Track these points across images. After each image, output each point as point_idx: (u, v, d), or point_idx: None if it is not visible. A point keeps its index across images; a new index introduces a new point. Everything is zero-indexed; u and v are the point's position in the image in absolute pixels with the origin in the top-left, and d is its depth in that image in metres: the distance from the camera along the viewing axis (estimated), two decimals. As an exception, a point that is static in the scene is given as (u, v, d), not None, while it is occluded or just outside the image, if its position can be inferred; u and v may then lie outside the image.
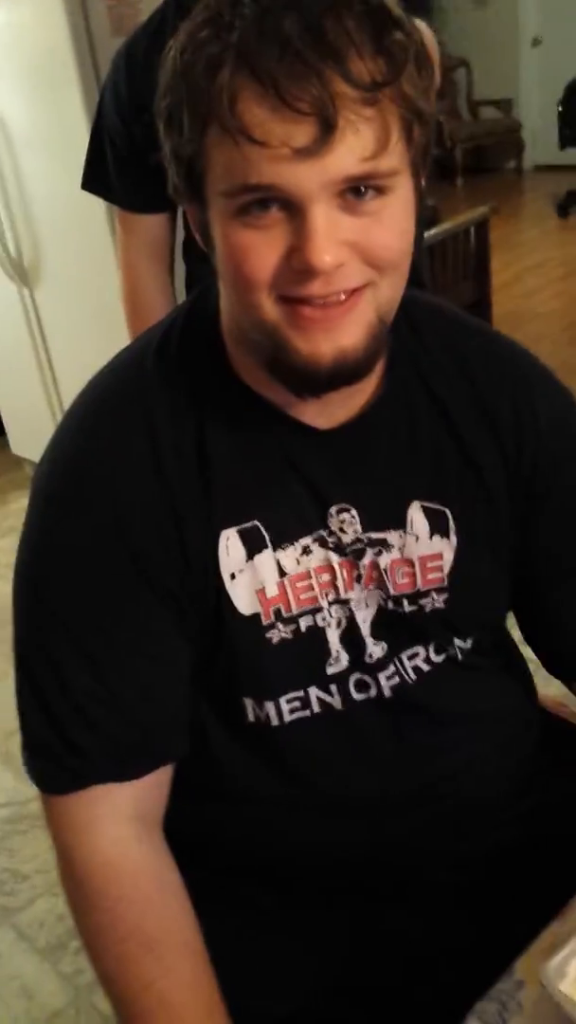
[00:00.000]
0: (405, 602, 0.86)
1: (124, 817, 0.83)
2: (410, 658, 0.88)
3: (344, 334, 0.71)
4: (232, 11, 0.65)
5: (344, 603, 0.85)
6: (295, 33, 0.62)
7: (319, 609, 0.84)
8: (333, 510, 0.83)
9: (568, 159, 6.35)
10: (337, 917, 0.93)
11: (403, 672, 0.88)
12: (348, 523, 0.83)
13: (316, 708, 0.86)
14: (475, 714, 0.92)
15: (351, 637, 0.86)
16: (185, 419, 0.80)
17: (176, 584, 0.81)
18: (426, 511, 0.85)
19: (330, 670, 0.86)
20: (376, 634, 0.86)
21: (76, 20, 2.44)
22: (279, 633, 0.83)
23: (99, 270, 2.65)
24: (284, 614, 0.83)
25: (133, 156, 1.55)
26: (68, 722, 0.81)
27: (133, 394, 0.82)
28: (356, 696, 0.87)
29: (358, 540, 0.84)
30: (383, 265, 0.70)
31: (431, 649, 0.89)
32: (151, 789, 0.84)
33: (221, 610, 0.82)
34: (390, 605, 0.86)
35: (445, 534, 0.85)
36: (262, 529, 0.81)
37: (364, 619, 0.86)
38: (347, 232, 0.67)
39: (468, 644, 0.90)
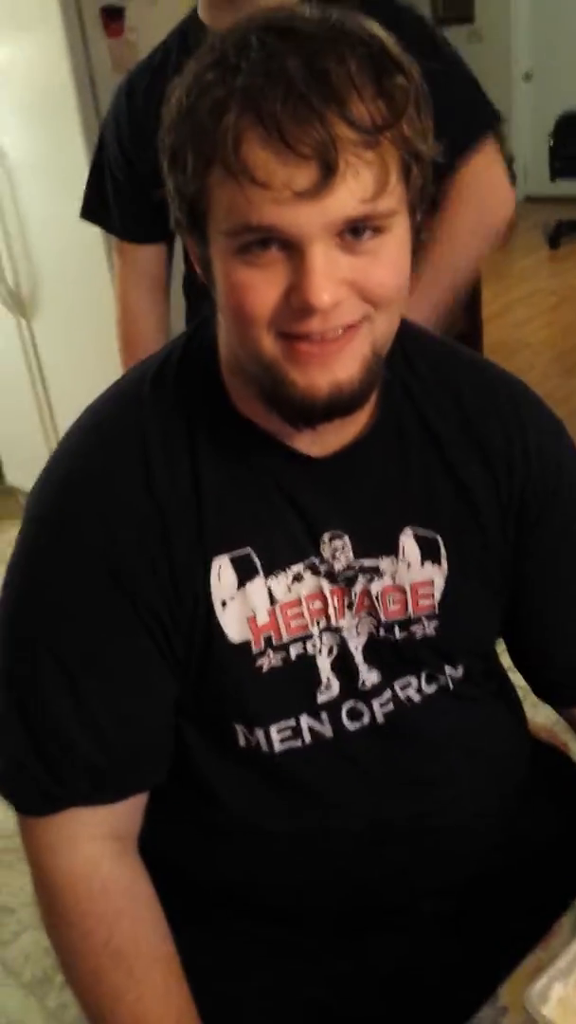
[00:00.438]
0: (396, 628, 0.86)
1: (98, 835, 0.83)
2: (403, 688, 0.89)
3: (340, 368, 0.72)
4: (238, 54, 0.66)
5: (335, 631, 0.85)
6: (299, 76, 0.63)
7: (309, 636, 0.84)
8: (326, 537, 0.83)
9: (559, 191, 6.42)
10: (324, 944, 0.93)
11: (397, 700, 0.88)
12: (340, 550, 0.84)
13: (307, 738, 0.86)
14: (467, 743, 0.93)
15: (343, 664, 0.86)
16: (179, 445, 0.81)
17: (164, 610, 0.81)
18: (418, 538, 0.85)
19: (321, 698, 0.86)
20: (370, 660, 0.87)
21: (77, 57, 2.47)
22: (269, 661, 0.83)
23: (97, 303, 2.67)
24: (275, 642, 0.83)
25: (133, 189, 1.56)
26: (48, 744, 0.81)
27: (128, 420, 0.83)
28: (349, 725, 0.87)
29: (350, 567, 0.84)
30: (379, 301, 0.71)
31: (423, 678, 0.89)
32: (127, 810, 0.85)
33: (211, 637, 0.82)
34: (381, 632, 0.86)
35: (436, 561, 0.86)
36: (254, 556, 0.82)
37: (356, 646, 0.86)
38: (345, 271, 0.69)
39: (459, 672, 0.91)
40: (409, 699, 0.89)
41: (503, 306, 5.17)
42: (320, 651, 0.85)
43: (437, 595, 0.87)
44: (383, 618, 0.86)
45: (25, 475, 3.50)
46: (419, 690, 0.89)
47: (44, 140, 2.71)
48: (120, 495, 0.80)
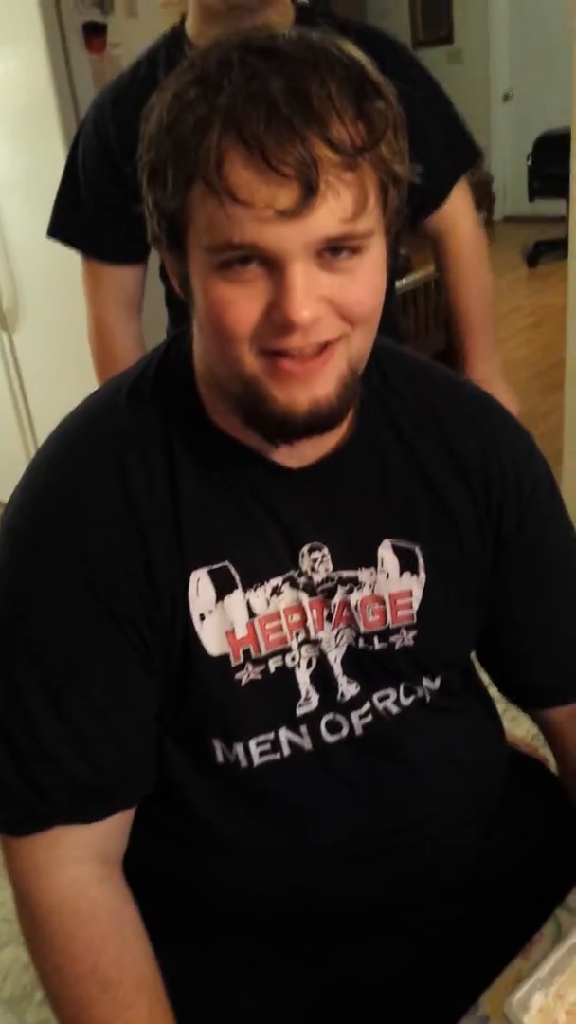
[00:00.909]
0: (375, 639, 0.87)
1: (84, 857, 0.82)
2: (380, 700, 0.89)
3: (319, 385, 0.73)
4: (219, 72, 0.66)
5: (314, 643, 0.86)
6: (281, 97, 0.64)
7: (288, 649, 0.85)
8: (305, 549, 0.84)
9: (537, 211, 6.48)
10: (306, 957, 0.93)
11: (375, 712, 0.89)
12: (319, 561, 0.84)
13: (286, 751, 0.86)
14: (445, 755, 0.93)
15: (322, 677, 0.86)
16: (156, 459, 0.81)
17: (143, 621, 0.81)
18: (396, 549, 0.86)
19: (300, 711, 0.86)
20: (349, 672, 0.87)
21: (59, 72, 2.49)
22: (248, 674, 0.83)
23: (77, 316, 2.64)
24: (253, 655, 0.83)
25: (120, 204, 1.53)
26: (31, 763, 0.81)
27: (105, 433, 0.83)
28: (328, 737, 0.87)
29: (329, 579, 0.85)
30: (356, 319, 0.72)
31: (401, 690, 0.90)
32: (112, 830, 0.84)
33: (190, 650, 0.82)
34: (360, 643, 0.87)
35: (415, 571, 0.87)
36: (232, 570, 0.82)
37: (335, 658, 0.87)
38: (324, 288, 0.70)
39: (436, 684, 0.91)
40: (387, 711, 0.89)
41: (482, 324, 5.19)
42: (299, 664, 0.85)
43: (415, 605, 0.87)
44: (362, 629, 0.86)
45: (4, 487, 3.46)
46: (397, 702, 0.90)
47: (25, 156, 2.72)
48: (98, 511, 0.80)
